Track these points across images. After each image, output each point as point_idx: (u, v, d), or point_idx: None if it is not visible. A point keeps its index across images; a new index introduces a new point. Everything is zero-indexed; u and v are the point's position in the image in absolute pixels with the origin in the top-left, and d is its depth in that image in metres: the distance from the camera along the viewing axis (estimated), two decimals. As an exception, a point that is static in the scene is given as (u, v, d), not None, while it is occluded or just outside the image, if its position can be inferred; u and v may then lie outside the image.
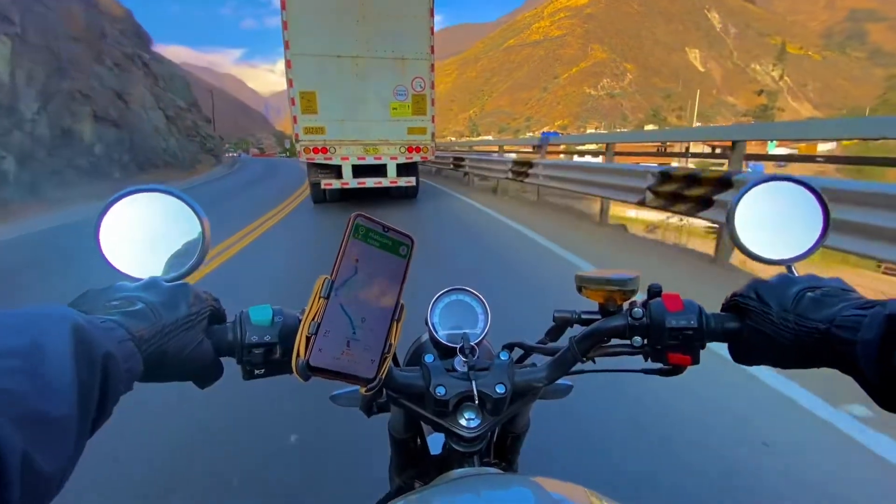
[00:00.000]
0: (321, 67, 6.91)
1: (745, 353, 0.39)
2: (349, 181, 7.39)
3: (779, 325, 0.35)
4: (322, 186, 7.44)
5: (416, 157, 7.70)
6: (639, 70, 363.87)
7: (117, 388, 0.26)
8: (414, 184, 7.99)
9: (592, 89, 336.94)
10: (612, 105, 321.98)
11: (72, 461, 0.22)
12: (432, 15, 7.30)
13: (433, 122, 7.67)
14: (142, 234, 0.39)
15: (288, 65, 6.81)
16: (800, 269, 0.44)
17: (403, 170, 7.74)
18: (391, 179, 7.65)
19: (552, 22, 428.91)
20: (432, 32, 7.37)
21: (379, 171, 7.56)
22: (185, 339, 0.33)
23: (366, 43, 7.02)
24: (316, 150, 7.14)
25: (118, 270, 0.37)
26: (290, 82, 6.88)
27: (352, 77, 7.08)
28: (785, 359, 0.36)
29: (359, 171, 7.44)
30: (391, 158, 7.54)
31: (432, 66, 7.44)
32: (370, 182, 7.54)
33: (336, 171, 7.40)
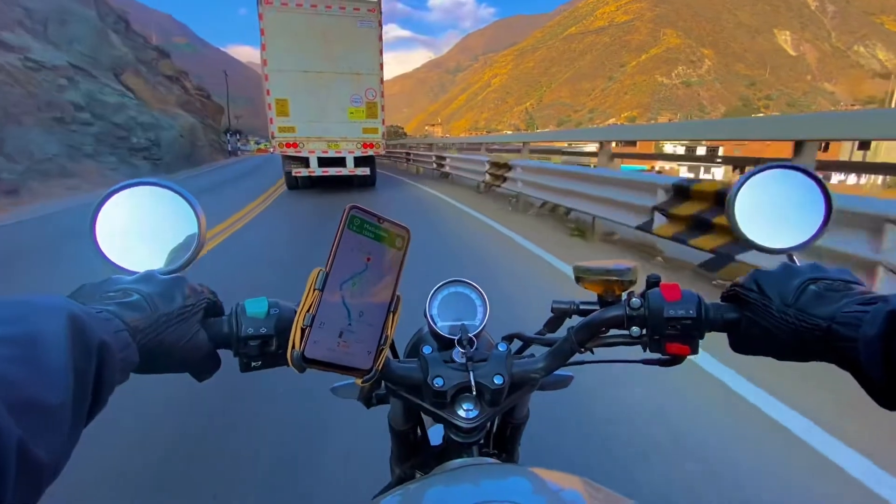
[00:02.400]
0: (292, 80, 9.01)
1: (743, 344, 0.40)
2: (315, 170, 9.44)
3: (779, 319, 0.35)
4: (293, 174, 9.57)
5: (370, 152, 9.71)
6: (718, 56, 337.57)
7: (113, 377, 0.26)
8: (369, 173, 9.95)
9: (665, 77, 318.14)
10: (688, 94, 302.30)
11: (67, 450, 0.22)
12: (381, 40, 9.34)
13: (383, 123, 9.69)
14: (137, 228, 0.40)
15: (266, 78, 8.95)
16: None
17: (361, 161, 9.74)
18: (350, 169, 9.64)
19: (618, 6, 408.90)
20: (381, 54, 9.40)
21: (340, 162, 9.58)
22: (181, 331, 0.33)
23: (328, 61, 9.07)
24: (288, 145, 9.25)
25: (114, 264, 0.38)
26: (267, 91, 9.03)
27: (317, 87, 9.13)
28: (784, 351, 0.36)
29: (323, 162, 9.48)
30: (349, 152, 9.56)
31: (381, 79, 9.47)
32: (332, 171, 9.56)
33: (305, 162, 9.47)
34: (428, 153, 13.42)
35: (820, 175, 0.44)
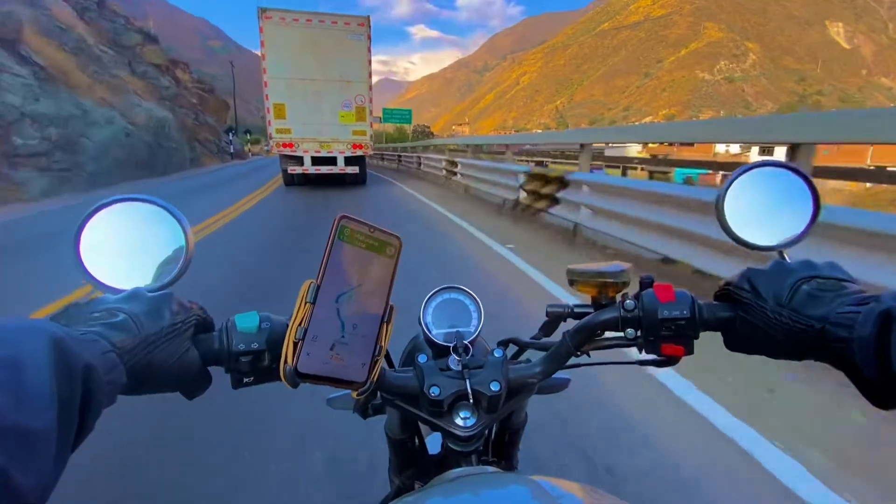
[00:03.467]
0: (289, 86, 10.23)
1: (738, 343, 0.40)
2: (309, 168, 10.64)
3: (773, 319, 0.36)
4: (289, 171, 10.77)
5: (358, 152, 10.86)
6: (764, 50, 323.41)
7: (100, 400, 0.26)
8: (358, 172, 11.08)
9: (707, 73, 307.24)
10: (732, 91, 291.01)
11: (53, 476, 0.22)
12: (369, 51, 10.56)
13: (371, 126, 10.96)
14: (124, 245, 0.39)
15: (265, 84, 10.21)
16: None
17: (351, 161, 10.88)
18: (340, 168, 10.81)
19: (654, 0, 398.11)
20: (369, 64, 10.62)
21: (332, 161, 10.75)
22: (170, 349, 0.33)
23: (321, 70, 10.26)
24: (285, 145, 10.45)
25: (100, 283, 0.38)
26: (266, 96, 10.30)
27: (311, 93, 10.32)
28: (778, 350, 0.37)
29: (316, 161, 10.65)
30: (340, 152, 10.72)
31: (370, 86, 10.70)
32: (324, 169, 10.73)
33: (300, 161, 10.66)
34: (436, 157, 12.08)
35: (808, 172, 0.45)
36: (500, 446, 0.60)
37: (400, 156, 17.82)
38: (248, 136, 46.85)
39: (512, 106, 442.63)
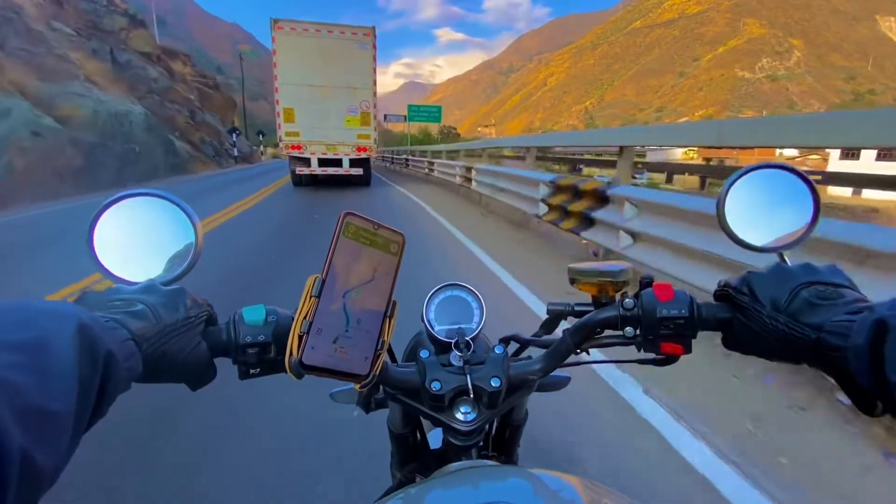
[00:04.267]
0: (298, 92, 11.03)
1: (735, 343, 0.41)
2: (316, 169, 11.40)
3: (769, 324, 0.37)
4: (297, 172, 11.57)
5: (363, 155, 11.60)
6: (809, 46, 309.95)
7: (116, 386, 0.27)
8: (363, 173, 11.78)
9: (747, 71, 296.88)
10: (775, 90, 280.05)
11: (66, 457, 0.23)
12: (374, 60, 11.35)
13: (375, 130, 11.75)
14: (135, 239, 0.41)
15: (276, 90, 11.05)
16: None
17: (355, 163, 11.61)
18: (345, 169, 11.53)
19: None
20: (374, 72, 11.41)
21: (337, 163, 11.49)
22: (184, 342, 0.35)
23: (328, 77, 11.03)
24: (293, 147, 11.24)
25: (113, 275, 0.40)
26: (277, 101, 11.13)
27: (319, 99, 11.10)
28: (774, 354, 0.38)
29: (323, 162, 11.41)
30: (345, 155, 11.46)
31: (375, 93, 11.48)
32: (330, 170, 11.47)
33: (307, 162, 11.43)
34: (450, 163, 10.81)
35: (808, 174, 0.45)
36: (501, 442, 0.62)
37: (407, 160, 16.92)
38: (262, 138, 43.52)
39: (539, 107, 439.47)
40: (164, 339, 0.33)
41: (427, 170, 13.73)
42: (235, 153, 26.62)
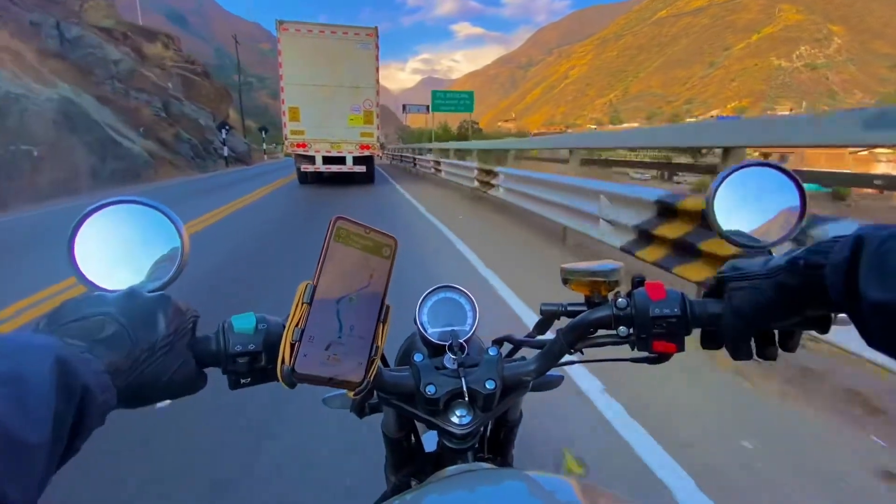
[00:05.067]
0: (303, 91, 11.48)
1: (728, 332, 0.41)
2: (320, 167, 11.86)
3: (757, 274, 0.37)
4: (302, 170, 12.03)
5: (366, 153, 12.00)
6: (850, 33, 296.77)
7: (92, 421, 0.27)
8: (366, 171, 12.17)
9: (783, 60, 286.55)
10: (814, 79, 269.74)
11: (37, 493, 0.23)
12: (377, 59, 11.75)
13: (378, 129, 12.16)
14: (118, 247, 0.40)
15: (282, 90, 11.55)
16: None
17: (358, 161, 12.01)
18: (349, 167, 11.95)
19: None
20: (377, 71, 11.81)
21: (341, 161, 11.92)
22: (167, 362, 0.33)
23: (332, 76, 11.45)
24: (298, 145, 11.70)
25: (94, 284, 0.39)
26: (282, 101, 11.63)
27: (323, 98, 11.53)
28: (766, 317, 0.38)
29: (327, 160, 11.86)
30: (349, 152, 11.88)
31: (377, 92, 11.89)
32: (334, 168, 11.91)
33: (312, 160, 11.89)
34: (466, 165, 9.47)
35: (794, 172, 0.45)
36: (496, 443, 0.62)
37: (415, 159, 16.23)
38: (265, 135, 40.36)
39: (560, 101, 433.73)
40: (140, 366, 0.32)
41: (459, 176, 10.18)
42: (225, 153, 23.08)
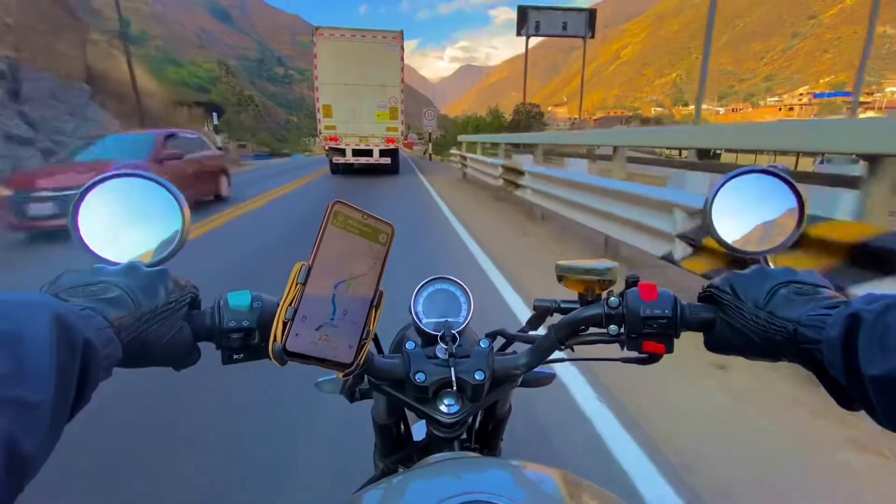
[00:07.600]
0: (335, 90, 13.46)
1: (717, 344, 0.45)
2: (350, 158, 13.85)
3: (749, 320, 0.40)
4: (335, 161, 14.07)
5: (391, 146, 13.92)
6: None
7: (97, 374, 0.29)
8: (390, 162, 14.05)
9: (888, 27, 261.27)
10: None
11: (50, 445, 0.25)
12: (402, 60, 13.61)
13: (403, 123, 14.01)
14: (121, 219, 0.42)
15: (316, 89, 13.57)
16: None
17: (384, 153, 13.91)
18: (375, 159, 13.87)
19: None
20: (402, 70, 13.68)
21: (369, 153, 13.86)
22: (165, 328, 0.36)
23: (361, 76, 13.33)
24: (331, 139, 13.72)
25: (96, 255, 0.40)
26: (317, 98, 13.63)
27: (353, 96, 13.46)
28: (754, 351, 0.41)
29: (356, 152, 13.81)
30: (375, 146, 13.79)
31: (402, 90, 13.77)
32: (363, 160, 13.86)
33: (343, 153, 13.86)
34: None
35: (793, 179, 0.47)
36: (484, 435, 0.67)
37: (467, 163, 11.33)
38: (218, 120, 29.87)
39: (612, 83, 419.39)
40: (142, 325, 0.34)
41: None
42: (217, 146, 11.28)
